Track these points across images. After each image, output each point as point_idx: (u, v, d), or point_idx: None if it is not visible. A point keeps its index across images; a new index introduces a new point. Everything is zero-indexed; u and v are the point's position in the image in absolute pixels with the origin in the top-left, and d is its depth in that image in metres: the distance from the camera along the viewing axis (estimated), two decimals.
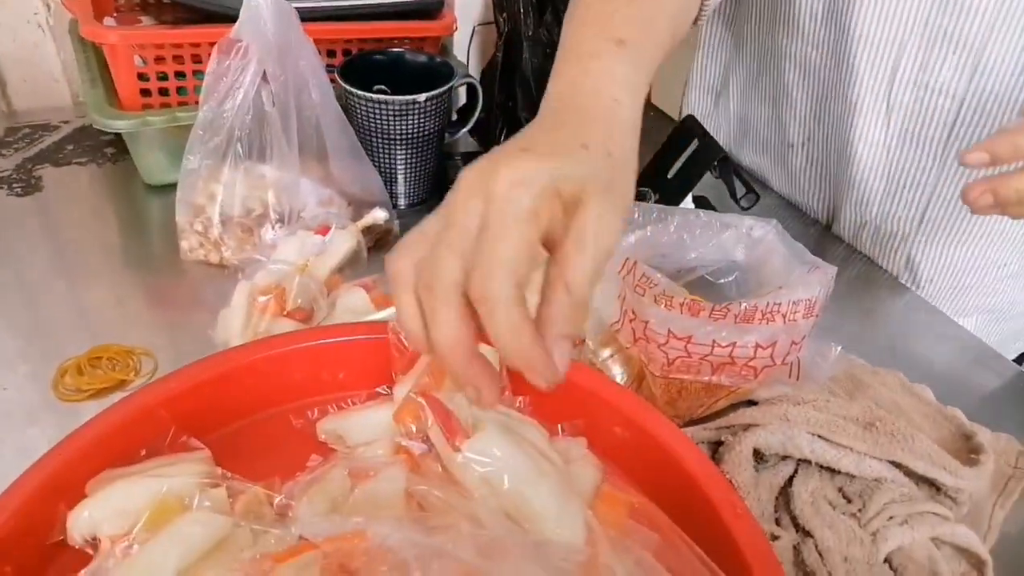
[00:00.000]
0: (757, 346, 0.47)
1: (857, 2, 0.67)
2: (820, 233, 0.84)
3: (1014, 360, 0.86)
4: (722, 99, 0.91)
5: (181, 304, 0.65)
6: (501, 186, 0.33)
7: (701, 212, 0.58)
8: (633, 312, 0.49)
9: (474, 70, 0.89)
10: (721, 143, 0.91)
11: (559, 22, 0.78)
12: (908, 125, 0.70)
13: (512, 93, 0.77)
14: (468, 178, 0.34)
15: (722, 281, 0.61)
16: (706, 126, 0.93)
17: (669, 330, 0.47)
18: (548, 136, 0.38)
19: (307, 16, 0.72)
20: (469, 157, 0.86)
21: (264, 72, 0.60)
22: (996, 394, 0.63)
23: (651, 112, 1.07)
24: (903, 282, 0.78)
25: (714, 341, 0.47)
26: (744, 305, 0.46)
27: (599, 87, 0.41)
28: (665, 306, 0.47)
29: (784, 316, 0.47)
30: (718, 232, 0.59)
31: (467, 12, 0.88)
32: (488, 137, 0.81)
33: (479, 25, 0.89)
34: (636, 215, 0.55)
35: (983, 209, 0.43)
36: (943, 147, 0.69)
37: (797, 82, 0.78)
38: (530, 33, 0.74)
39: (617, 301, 0.50)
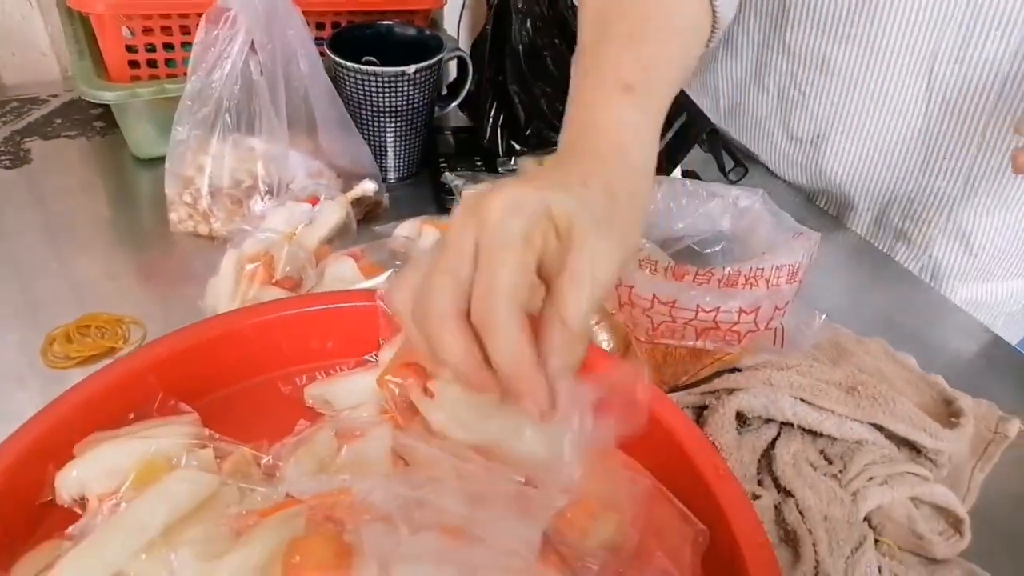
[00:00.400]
0: (741, 311, 0.48)
1: None
2: (805, 203, 0.84)
3: None
4: (713, 78, 0.90)
5: (170, 275, 0.65)
6: (493, 211, 0.33)
7: (688, 181, 0.58)
8: (618, 278, 0.49)
9: (464, 44, 0.89)
10: (711, 119, 0.92)
11: (552, 4, 0.78)
12: (950, 98, 0.70)
13: (502, 67, 0.77)
14: (464, 204, 0.35)
15: (709, 251, 0.62)
16: (698, 103, 0.93)
17: (654, 295, 0.47)
18: (550, 173, 0.38)
19: None
20: (460, 132, 0.86)
21: (252, 42, 0.60)
22: (978, 363, 0.64)
23: None
24: (953, 255, 0.78)
25: (698, 306, 0.47)
26: (728, 270, 0.47)
27: (607, 136, 0.41)
28: (650, 271, 0.48)
29: (767, 281, 0.47)
30: (705, 201, 0.59)
31: None
32: (478, 111, 0.81)
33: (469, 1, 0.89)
34: None
35: None
36: (987, 118, 0.69)
37: (813, 80, 0.77)
38: (520, 6, 0.74)
39: None
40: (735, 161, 0.76)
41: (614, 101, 0.43)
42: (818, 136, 0.80)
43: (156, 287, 0.64)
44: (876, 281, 0.74)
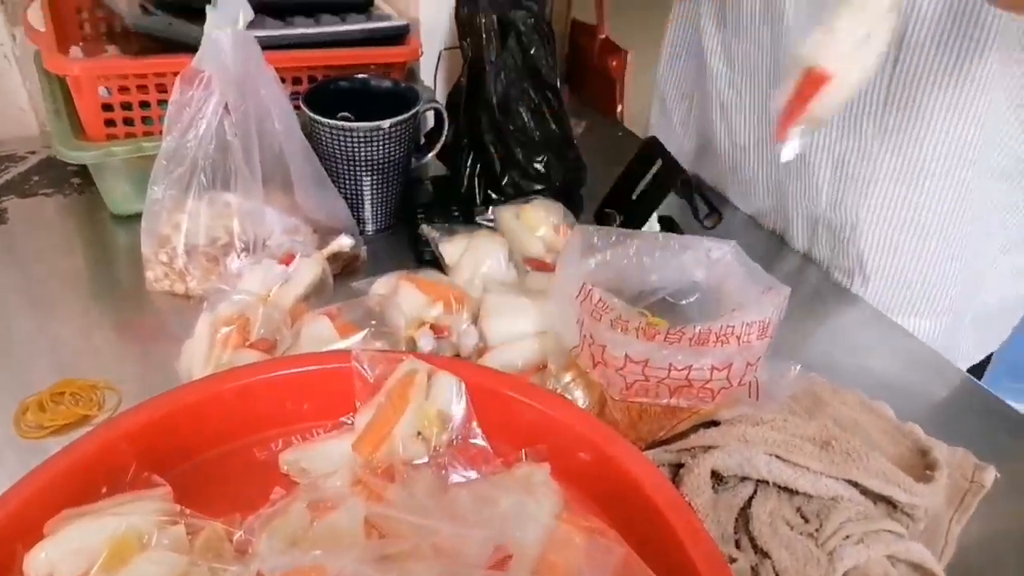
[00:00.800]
0: (713, 368, 0.48)
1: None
2: (777, 246, 0.85)
3: (980, 361, 0.88)
4: (682, 116, 0.92)
5: (147, 335, 0.65)
6: None
7: (660, 235, 0.59)
8: (591, 337, 0.49)
9: (441, 94, 0.90)
10: (683, 161, 0.93)
11: (523, 48, 0.79)
12: (846, 109, 0.71)
13: (477, 119, 0.78)
14: None
15: (684, 302, 0.62)
16: (669, 144, 0.94)
17: (626, 354, 0.48)
18: None
19: (273, 44, 0.73)
20: (438, 181, 0.87)
21: (226, 103, 0.61)
22: (952, 406, 0.64)
23: (620, 132, 1.08)
24: (857, 281, 0.79)
25: (670, 364, 0.48)
26: (698, 328, 0.47)
27: None
28: (621, 331, 0.48)
29: (738, 338, 0.48)
30: (677, 254, 0.59)
31: (434, 36, 0.88)
32: (455, 161, 0.82)
33: (446, 49, 0.90)
34: (595, 240, 0.56)
35: None
36: (879, 127, 0.70)
37: (744, 83, 0.80)
38: (492, 59, 0.75)
39: (576, 326, 0.51)
40: (709, 207, 0.77)
41: None
42: (759, 140, 0.82)
43: (132, 348, 0.63)
44: (840, 320, 0.75)
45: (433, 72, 0.90)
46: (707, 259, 0.60)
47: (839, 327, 0.75)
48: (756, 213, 0.86)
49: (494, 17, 0.74)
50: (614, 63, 1.50)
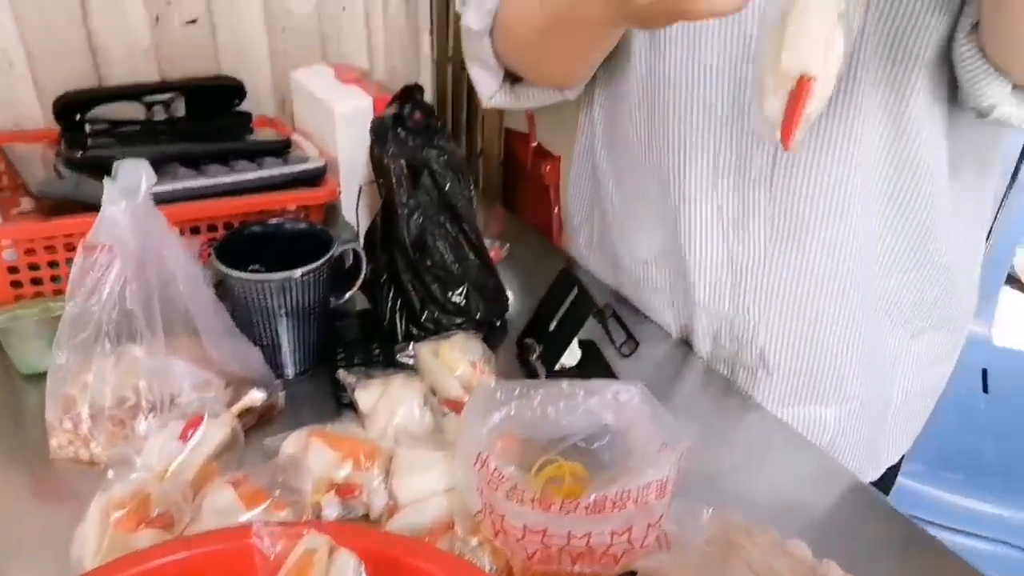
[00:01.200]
0: (613, 533, 0.47)
1: (669, 119, 0.72)
2: (684, 355, 0.85)
3: (890, 467, 0.88)
4: (587, 235, 0.94)
5: (48, 505, 0.63)
6: None
7: (565, 383, 0.59)
8: (491, 506, 0.49)
9: (365, 226, 0.91)
10: (602, 276, 0.95)
11: (437, 186, 0.81)
12: (735, 214, 0.74)
13: (394, 256, 0.79)
14: None
15: (596, 445, 0.62)
16: (588, 261, 0.97)
17: (524, 525, 0.47)
18: None
19: (185, 196, 0.74)
20: (364, 315, 0.87)
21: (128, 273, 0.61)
22: (866, 529, 0.64)
23: (547, 249, 1.09)
24: (761, 375, 0.79)
25: (569, 532, 0.47)
26: (594, 496, 0.47)
27: None
28: (517, 501, 0.47)
29: (636, 500, 0.48)
30: (585, 399, 0.60)
31: (354, 171, 0.90)
32: (376, 297, 0.82)
33: (366, 184, 0.91)
34: (498, 394, 0.56)
35: None
36: (769, 231, 0.73)
37: (635, 201, 0.82)
38: (404, 200, 0.76)
39: (476, 493, 0.50)
40: (627, 333, 0.78)
41: None
42: (660, 252, 0.84)
43: (31, 519, 0.61)
44: (749, 435, 0.75)
45: (355, 207, 0.91)
46: (615, 402, 0.60)
47: (749, 445, 0.74)
48: (663, 322, 0.87)
49: (403, 162, 0.75)
50: (547, 168, 1.55)
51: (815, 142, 0.68)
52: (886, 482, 0.90)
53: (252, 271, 0.72)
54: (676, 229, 0.78)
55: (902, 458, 0.91)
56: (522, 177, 1.56)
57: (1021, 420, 1.33)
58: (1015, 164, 1.39)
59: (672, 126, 0.74)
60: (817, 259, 0.73)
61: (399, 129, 0.75)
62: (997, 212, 1.50)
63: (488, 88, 0.78)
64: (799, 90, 0.49)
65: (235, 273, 0.70)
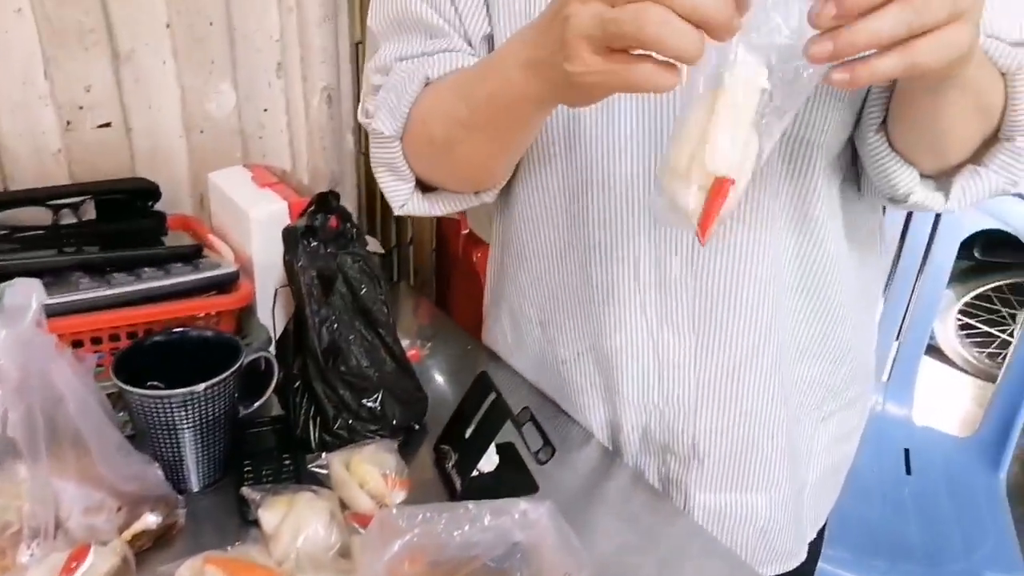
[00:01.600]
0: None
1: (589, 223, 0.73)
2: (609, 461, 0.84)
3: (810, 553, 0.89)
4: (515, 336, 0.94)
5: None
6: None
7: (472, 506, 0.57)
8: None
9: (281, 327, 0.90)
10: (525, 373, 0.94)
11: (352, 291, 0.80)
12: (659, 311, 0.75)
13: (306, 363, 0.77)
14: None
15: (507, 564, 0.60)
16: (510, 358, 0.96)
17: None
18: None
19: (87, 307, 0.72)
20: (276, 421, 0.84)
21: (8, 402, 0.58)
22: None
23: (469, 346, 1.09)
24: (694, 465, 0.79)
25: None
26: None
27: None
28: None
29: None
30: (494, 518, 0.58)
31: (270, 273, 0.88)
32: (289, 403, 0.80)
33: (282, 287, 0.90)
34: (400, 521, 0.55)
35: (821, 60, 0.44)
36: (691, 323, 0.74)
37: (559, 298, 0.82)
38: (315, 310, 0.75)
39: None
40: (544, 439, 0.77)
41: None
42: (569, 359, 0.84)
43: None
44: (674, 548, 0.75)
45: (271, 310, 0.89)
46: (524, 520, 0.59)
47: (670, 552, 0.74)
48: (588, 420, 0.87)
49: (313, 273, 0.75)
50: (478, 256, 1.55)
51: (726, 244, 0.70)
52: (806, 570, 0.90)
53: (152, 385, 0.69)
54: (600, 328, 0.79)
55: (822, 540, 0.92)
56: (454, 265, 1.57)
57: (944, 502, 1.36)
58: (897, 245, 1.45)
59: (592, 230, 0.75)
60: (739, 351, 0.74)
61: (310, 239, 0.75)
62: (911, 294, 1.57)
63: (399, 196, 0.76)
64: (718, 189, 0.50)
65: (133, 389, 0.68)
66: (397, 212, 0.78)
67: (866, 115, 0.65)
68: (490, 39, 0.72)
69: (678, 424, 0.79)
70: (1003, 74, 0.58)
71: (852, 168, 0.74)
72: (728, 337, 0.74)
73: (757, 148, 0.50)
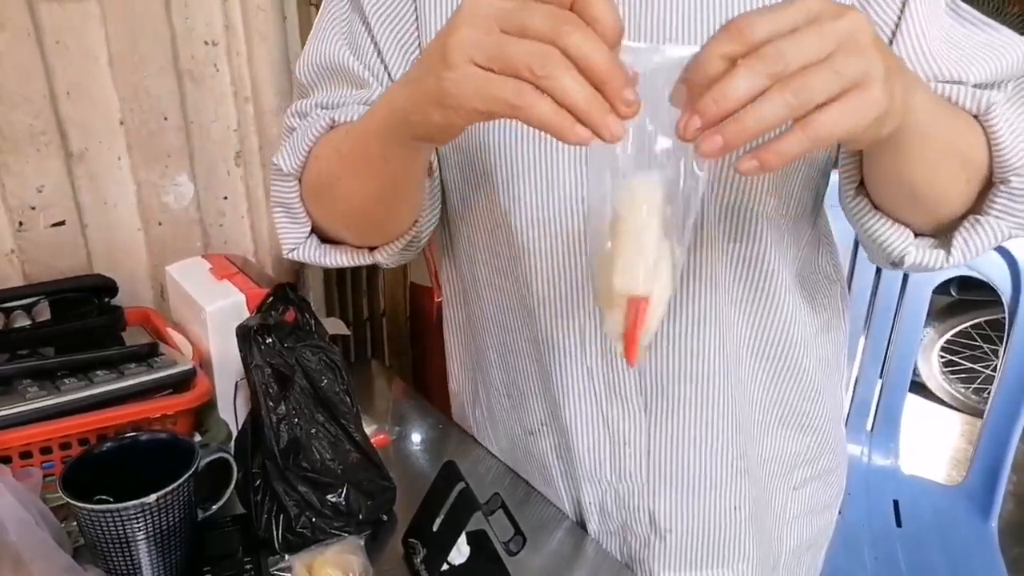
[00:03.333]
0: None
1: (533, 299, 0.72)
2: (579, 540, 0.82)
3: None
4: (482, 406, 0.92)
5: None
6: None
7: None
8: None
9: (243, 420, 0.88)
10: (495, 450, 0.92)
11: (313, 385, 0.78)
12: (606, 380, 0.73)
13: (264, 461, 0.75)
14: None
15: None
16: (481, 435, 0.94)
17: None
18: None
19: (34, 418, 0.70)
20: (239, 520, 0.82)
21: None
22: None
23: (440, 425, 1.07)
24: (655, 542, 0.77)
25: None
26: None
27: None
28: None
29: None
30: None
31: (229, 368, 0.87)
32: (252, 501, 0.77)
33: (243, 380, 0.88)
34: None
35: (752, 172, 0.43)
36: (640, 396, 0.72)
37: (516, 369, 0.80)
38: (272, 408, 0.73)
39: None
40: (515, 529, 0.75)
41: None
42: (542, 423, 0.81)
43: None
44: None
45: (232, 404, 0.87)
46: None
47: None
48: (555, 497, 0.84)
49: (268, 371, 0.73)
50: None
51: (673, 322, 0.69)
52: None
53: (102, 499, 0.67)
54: (555, 398, 0.77)
55: None
56: (429, 335, 1.55)
57: (936, 556, 1.33)
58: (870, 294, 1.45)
59: (539, 288, 0.73)
60: (693, 423, 0.73)
61: (264, 336, 0.74)
62: (887, 345, 1.56)
63: (291, 239, 0.73)
64: (634, 310, 0.50)
65: (81, 505, 0.65)
66: (286, 255, 0.74)
67: (841, 180, 0.64)
68: None
69: (633, 500, 0.77)
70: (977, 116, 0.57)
71: (815, 232, 0.74)
72: (680, 408, 0.72)
73: (671, 258, 0.49)
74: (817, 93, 0.41)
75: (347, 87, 0.72)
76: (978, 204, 0.61)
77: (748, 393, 0.73)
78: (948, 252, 0.62)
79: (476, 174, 0.72)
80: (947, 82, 0.59)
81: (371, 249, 0.73)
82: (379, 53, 0.70)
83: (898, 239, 0.62)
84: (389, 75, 0.71)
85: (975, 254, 0.62)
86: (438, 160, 0.75)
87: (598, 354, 0.73)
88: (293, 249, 0.73)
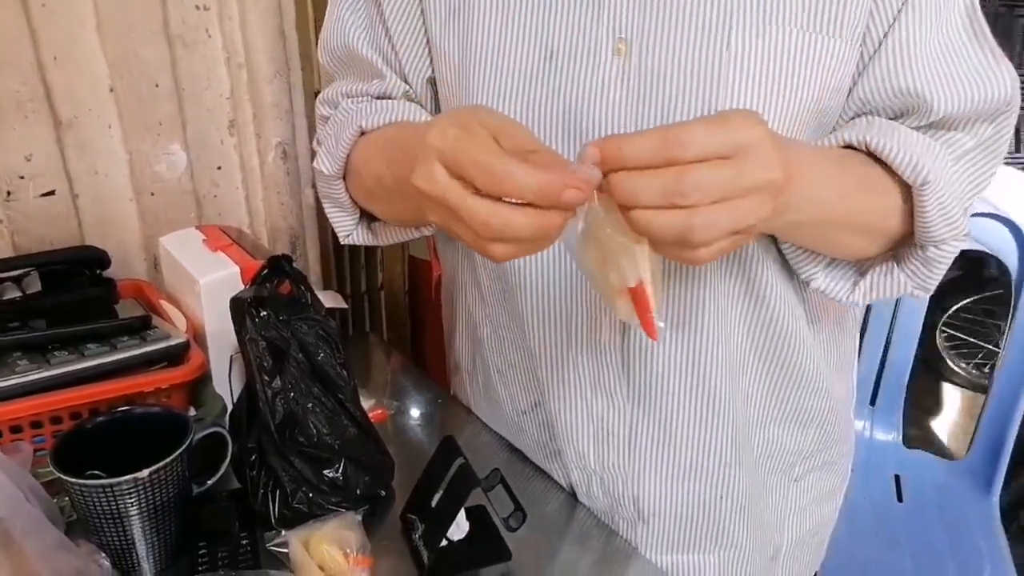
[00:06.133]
0: None
1: (518, 293, 0.71)
2: (576, 514, 0.81)
3: None
4: (480, 381, 0.91)
5: None
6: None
7: None
8: None
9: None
10: (494, 424, 0.91)
11: (309, 358, 0.77)
12: (591, 371, 0.71)
13: (260, 438, 0.74)
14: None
15: None
16: (479, 409, 0.93)
17: None
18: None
19: (25, 391, 0.68)
20: (235, 496, 0.80)
21: None
22: None
23: (440, 399, 1.06)
24: (639, 526, 0.76)
25: None
26: None
27: None
28: None
29: None
30: None
31: (224, 341, 0.85)
32: (248, 476, 0.76)
33: (238, 353, 0.87)
34: None
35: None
36: (624, 388, 0.71)
37: (509, 349, 0.79)
38: (266, 382, 0.72)
39: None
40: (515, 504, 0.74)
41: None
42: (534, 404, 0.80)
43: None
44: None
45: (227, 378, 0.86)
46: None
47: None
48: (551, 471, 0.83)
49: (262, 344, 0.71)
50: None
51: (665, 318, 0.67)
52: None
53: (93, 474, 0.65)
54: (541, 385, 0.76)
55: None
56: (428, 309, 1.54)
57: (937, 531, 1.33)
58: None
59: (523, 296, 0.71)
60: (684, 419, 0.71)
61: (258, 309, 0.72)
62: (892, 318, 1.55)
63: (345, 227, 0.77)
64: (637, 296, 0.51)
65: (73, 480, 0.64)
66: (343, 242, 0.78)
67: None
68: (433, 82, 0.72)
69: (617, 488, 0.76)
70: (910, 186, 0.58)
71: None
72: (670, 403, 0.70)
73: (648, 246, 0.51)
74: (697, 198, 0.45)
75: (365, 77, 0.74)
76: (896, 250, 0.63)
77: (744, 390, 0.71)
78: (852, 289, 0.64)
79: None
80: (907, 96, 0.60)
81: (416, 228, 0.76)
82: (391, 40, 0.71)
83: (809, 263, 0.64)
84: (399, 61, 0.72)
85: (875, 299, 0.65)
86: None
87: (582, 347, 0.71)
88: (348, 235, 0.77)
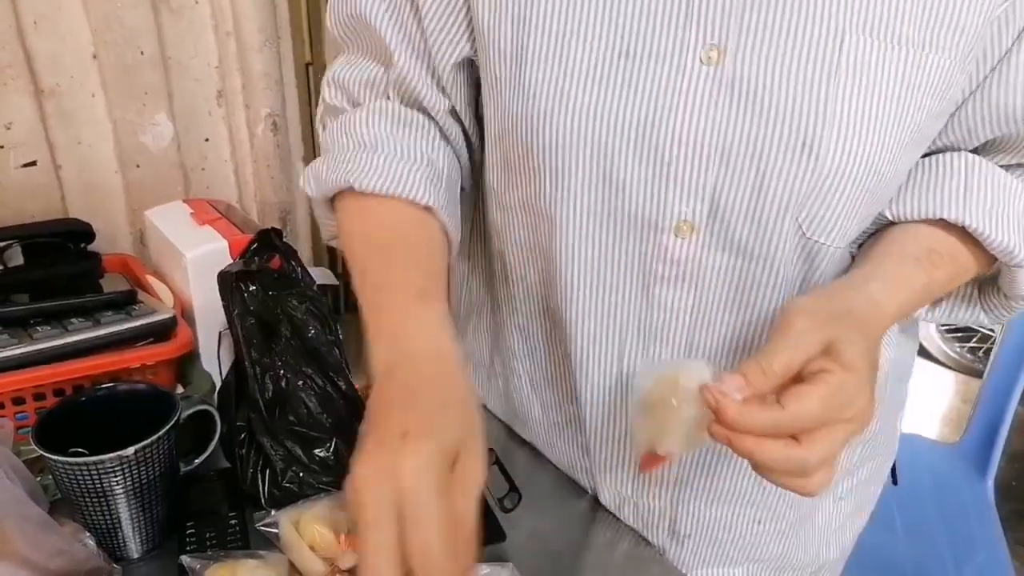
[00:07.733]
0: None
1: (572, 303, 0.66)
2: (589, 509, 0.80)
3: None
4: (490, 377, 0.88)
5: None
6: (408, 478, 0.41)
7: None
8: None
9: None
10: (496, 410, 0.89)
11: (300, 335, 0.75)
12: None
13: (250, 414, 0.72)
14: (367, 477, 0.43)
15: None
16: (481, 391, 0.90)
17: None
18: (413, 412, 0.46)
19: (7, 366, 0.66)
20: (224, 475, 0.79)
21: None
22: None
23: None
24: (671, 546, 0.74)
25: None
26: None
27: (422, 344, 0.51)
28: None
29: None
30: None
31: (212, 317, 0.83)
32: (237, 455, 0.74)
33: (224, 330, 0.85)
34: None
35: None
36: None
37: (543, 364, 0.75)
38: (256, 359, 0.70)
39: None
40: (510, 485, 0.73)
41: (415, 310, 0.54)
42: (571, 418, 0.77)
43: None
44: None
45: (215, 354, 0.84)
46: None
47: None
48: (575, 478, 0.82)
49: (251, 321, 0.69)
50: None
51: (711, 337, 0.64)
52: None
53: (76, 452, 0.63)
54: (581, 408, 0.72)
55: None
56: None
57: (932, 514, 1.32)
58: None
59: (573, 319, 0.67)
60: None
61: (247, 284, 0.70)
62: None
63: (330, 230, 0.70)
64: (654, 459, 0.53)
65: (56, 458, 0.62)
66: (327, 243, 0.74)
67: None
68: (464, 66, 0.64)
69: (653, 517, 0.74)
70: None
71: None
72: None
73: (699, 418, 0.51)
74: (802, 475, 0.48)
75: (376, 55, 0.65)
76: (982, 284, 0.64)
77: None
78: (931, 307, 0.65)
79: (517, 164, 0.64)
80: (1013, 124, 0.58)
81: None
82: (416, 13, 0.61)
83: None
84: (426, 43, 0.62)
85: (945, 321, 0.67)
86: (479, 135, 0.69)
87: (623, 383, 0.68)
88: (331, 239, 0.71)
